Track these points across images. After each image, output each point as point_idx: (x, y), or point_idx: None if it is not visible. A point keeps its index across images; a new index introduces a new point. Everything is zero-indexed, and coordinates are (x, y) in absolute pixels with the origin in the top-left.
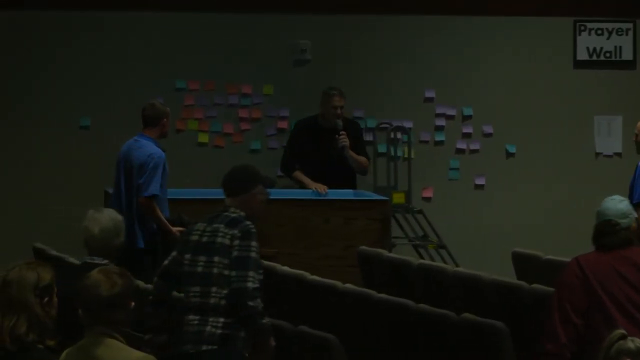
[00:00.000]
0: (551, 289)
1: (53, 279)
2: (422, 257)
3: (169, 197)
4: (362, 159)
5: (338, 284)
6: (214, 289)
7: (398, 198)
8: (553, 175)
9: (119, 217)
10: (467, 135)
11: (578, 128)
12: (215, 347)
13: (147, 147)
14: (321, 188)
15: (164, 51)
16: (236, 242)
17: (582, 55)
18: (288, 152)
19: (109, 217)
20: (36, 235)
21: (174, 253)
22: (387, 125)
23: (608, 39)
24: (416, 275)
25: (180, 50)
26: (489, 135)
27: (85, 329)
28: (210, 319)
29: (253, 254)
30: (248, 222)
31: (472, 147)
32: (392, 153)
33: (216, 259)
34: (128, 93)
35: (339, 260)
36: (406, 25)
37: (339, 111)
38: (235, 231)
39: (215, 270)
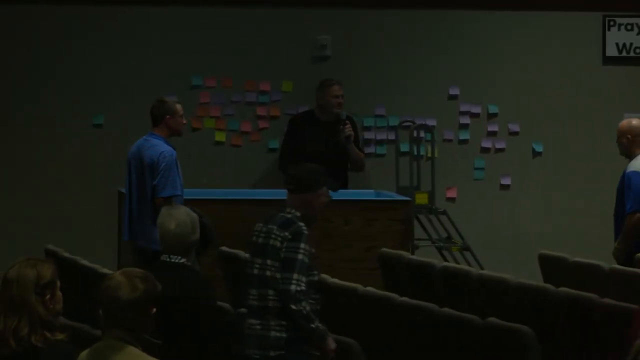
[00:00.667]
0: (580, 293)
1: (54, 275)
2: (445, 260)
3: (185, 197)
4: (360, 153)
5: (359, 287)
6: (270, 291)
7: (421, 198)
8: (581, 175)
9: (194, 215)
10: (492, 134)
11: (607, 126)
12: (282, 352)
13: (158, 146)
14: None
15: (180, 47)
16: (285, 243)
17: (611, 52)
18: (285, 150)
19: (185, 213)
20: (48, 236)
21: (246, 256)
22: (410, 124)
23: (638, 34)
24: (439, 278)
25: (197, 46)
26: (515, 133)
27: (103, 331)
28: (272, 323)
29: (300, 256)
30: (301, 224)
31: (498, 146)
32: (415, 152)
33: (269, 261)
34: (142, 90)
35: (359, 263)
36: (429, 19)
37: (340, 100)
38: (286, 233)
39: (268, 273)
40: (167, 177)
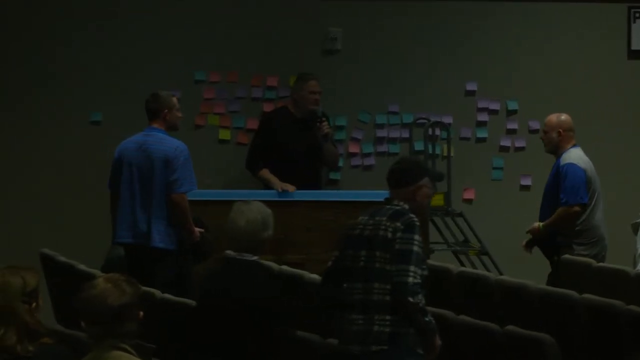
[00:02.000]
0: (604, 299)
1: (38, 283)
2: (462, 264)
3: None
4: (336, 151)
5: None
6: (376, 284)
7: (436, 200)
8: (607, 174)
9: (268, 211)
10: (511, 132)
11: (633, 123)
12: (385, 347)
13: (169, 140)
14: (289, 188)
15: (183, 40)
16: (398, 234)
17: (637, 45)
18: (255, 147)
19: (256, 209)
20: (43, 238)
21: (335, 253)
22: (425, 121)
23: None
24: (456, 284)
25: (200, 39)
26: (536, 131)
27: (94, 343)
28: (376, 317)
29: (415, 248)
30: (412, 215)
31: (518, 144)
32: (430, 151)
33: (378, 253)
34: (142, 86)
35: None
36: (445, 11)
37: (317, 96)
38: (398, 224)
39: (377, 265)
40: (185, 172)
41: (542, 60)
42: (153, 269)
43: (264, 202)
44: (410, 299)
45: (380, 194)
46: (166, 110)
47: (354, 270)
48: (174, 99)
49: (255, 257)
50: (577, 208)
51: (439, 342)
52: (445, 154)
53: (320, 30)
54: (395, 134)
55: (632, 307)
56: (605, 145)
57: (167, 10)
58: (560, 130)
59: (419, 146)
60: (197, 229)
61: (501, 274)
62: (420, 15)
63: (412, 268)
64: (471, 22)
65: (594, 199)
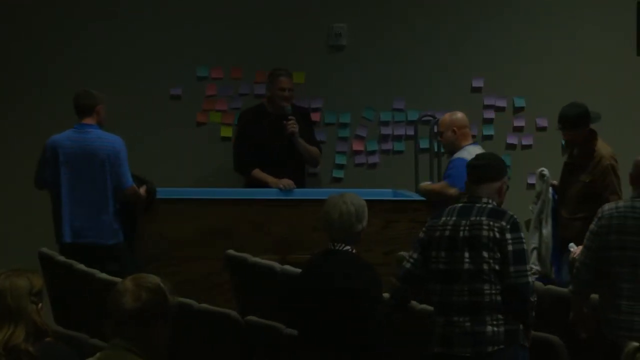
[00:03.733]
0: None
1: (43, 285)
2: None
3: (188, 197)
4: (313, 149)
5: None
6: (486, 285)
7: None
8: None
9: (362, 202)
10: (518, 129)
11: None
12: (502, 346)
13: (108, 136)
14: (287, 184)
15: (185, 35)
16: (507, 234)
17: None
18: (239, 148)
19: (350, 202)
20: (41, 239)
21: (412, 254)
22: (430, 118)
23: None
24: None
25: (203, 34)
26: (543, 129)
27: (108, 340)
28: (487, 318)
29: (525, 246)
30: (511, 213)
31: (525, 142)
32: (436, 149)
33: (485, 253)
34: (143, 82)
35: (378, 267)
36: (451, 6)
37: (286, 93)
38: (503, 223)
39: (485, 267)
40: (126, 166)
41: (550, 56)
42: (104, 265)
43: (267, 201)
44: (532, 299)
45: (384, 192)
46: (99, 106)
47: (453, 272)
48: (104, 96)
49: (348, 247)
50: (454, 191)
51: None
52: None
53: (324, 26)
54: (400, 131)
55: None
56: (615, 142)
57: (169, 5)
58: (455, 128)
59: (424, 144)
60: (141, 189)
61: None
62: (426, 11)
63: (528, 267)
64: (478, 18)
65: None
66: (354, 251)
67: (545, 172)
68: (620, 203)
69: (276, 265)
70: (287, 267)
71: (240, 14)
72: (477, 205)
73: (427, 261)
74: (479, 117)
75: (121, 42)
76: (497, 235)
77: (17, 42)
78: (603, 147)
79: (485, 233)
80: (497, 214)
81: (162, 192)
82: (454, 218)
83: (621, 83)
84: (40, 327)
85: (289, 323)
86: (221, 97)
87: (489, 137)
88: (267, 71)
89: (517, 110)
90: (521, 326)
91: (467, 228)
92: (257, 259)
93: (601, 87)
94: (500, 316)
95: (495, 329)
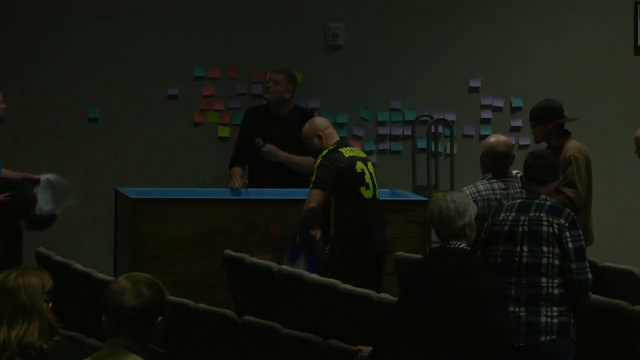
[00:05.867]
0: (609, 300)
1: (53, 284)
2: None
3: (185, 197)
4: (306, 159)
5: (372, 293)
6: (543, 279)
7: None
8: (614, 174)
9: (466, 200)
10: (516, 129)
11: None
12: (555, 337)
13: None
14: (238, 185)
15: (182, 35)
16: (566, 232)
17: None
18: (236, 143)
19: (450, 199)
20: (39, 238)
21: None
22: (428, 118)
23: None
24: None
25: (200, 34)
26: None
27: (106, 339)
28: (543, 310)
29: (584, 243)
30: (569, 211)
31: (522, 142)
32: (433, 149)
33: (545, 248)
34: (141, 81)
35: None
36: (448, 6)
37: (267, 85)
38: (562, 220)
39: (544, 261)
40: None
41: (547, 56)
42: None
43: (265, 201)
44: (590, 294)
45: (381, 192)
46: None
47: (512, 265)
48: None
49: (463, 245)
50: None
51: None
52: (448, 151)
53: (321, 26)
54: (397, 131)
55: (638, 307)
56: (611, 145)
57: (167, 5)
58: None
59: (421, 144)
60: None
61: None
62: (423, 11)
63: (587, 264)
64: (475, 18)
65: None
66: (467, 248)
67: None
68: (480, 186)
69: (274, 265)
70: (284, 267)
71: (238, 14)
72: (536, 201)
73: (486, 256)
74: (476, 117)
75: (119, 42)
76: (557, 231)
77: (17, 42)
78: (574, 145)
79: (545, 229)
80: (556, 210)
81: (160, 192)
82: (513, 214)
83: (619, 83)
84: (52, 325)
85: (402, 315)
86: (218, 97)
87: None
88: (265, 71)
89: (515, 110)
90: (573, 320)
91: (524, 223)
92: (255, 259)
93: (599, 87)
94: (555, 308)
95: (550, 320)
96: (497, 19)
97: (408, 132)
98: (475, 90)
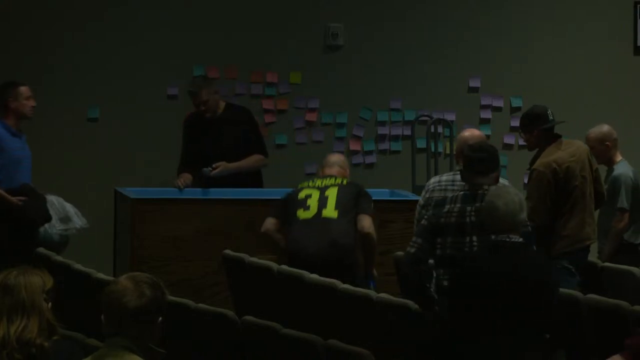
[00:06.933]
0: (609, 300)
1: (53, 284)
2: None
3: (183, 197)
4: (251, 159)
5: (372, 293)
6: None
7: None
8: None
9: (520, 194)
10: (515, 129)
11: (639, 119)
12: None
13: None
14: (183, 182)
15: (180, 34)
16: None
17: None
18: (182, 149)
19: (513, 191)
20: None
21: (416, 240)
22: (427, 118)
23: None
24: None
25: (198, 33)
26: None
27: (105, 338)
28: None
29: (529, 228)
30: None
31: (521, 142)
32: (433, 148)
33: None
34: (140, 81)
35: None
36: (448, 5)
37: (202, 108)
38: None
39: None
40: None
41: (547, 56)
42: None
43: (264, 201)
44: None
45: (381, 192)
46: (9, 99)
47: (461, 256)
48: (22, 88)
49: (521, 239)
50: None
51: None
52: (448, 151)
53: (321, 25)
54: (397, 131)
55: (638, 307)
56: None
57: (166, 5)
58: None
59: (421, 144)
60: (17, 198)
61: None
62: (423, 11)
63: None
64: (475, 18)
65: None
66: (522, 240)
67: None
68: (444, 177)
69: (274, 265)
70: (284, 267)
71: (237, 13)
72: (479, 192)
73: (433, 247)
74: (476, 116)
75: (119, 42)
76: None
77: (16, 42)
78: (550, 152)
79: None
80: None
81: (160, 192)
82: (458, 205)
83: (618, 83)
84: (51, 324)
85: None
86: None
87: (486, 137)
88: (264, 71)
89: (514, 110)
90: None
91: (473, 214)
92: (254, 259)
93: (598, 87)
94: None
95: None
96: (497, 19)
97: (408, 132)
98: (474, 90)
